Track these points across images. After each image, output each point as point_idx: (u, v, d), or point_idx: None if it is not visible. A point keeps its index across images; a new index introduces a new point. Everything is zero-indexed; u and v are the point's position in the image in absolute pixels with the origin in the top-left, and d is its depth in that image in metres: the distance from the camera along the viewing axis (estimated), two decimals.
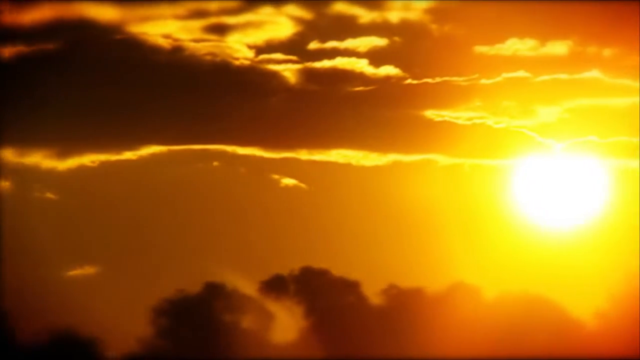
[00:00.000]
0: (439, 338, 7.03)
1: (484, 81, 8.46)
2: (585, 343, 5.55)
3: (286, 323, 9.03)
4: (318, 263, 9.08)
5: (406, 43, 8.70)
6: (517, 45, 8.65)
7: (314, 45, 8.66)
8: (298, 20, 8.86)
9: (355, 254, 8.68)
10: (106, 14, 9.67)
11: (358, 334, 8.30)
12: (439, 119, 8.91)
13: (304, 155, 8.68)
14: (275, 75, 9.07)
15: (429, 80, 8.57)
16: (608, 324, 3.45)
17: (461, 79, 8.65)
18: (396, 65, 8.67)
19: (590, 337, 4.23)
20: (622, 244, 5.67)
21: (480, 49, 8.64)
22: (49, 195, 10.24)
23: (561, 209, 6.56)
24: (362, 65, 8.76)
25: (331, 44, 8.69)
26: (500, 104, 8.20)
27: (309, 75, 8.87)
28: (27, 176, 10.28)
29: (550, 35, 8.58)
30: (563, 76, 8.57)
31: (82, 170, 10.25)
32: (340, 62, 8.70)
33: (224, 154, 9.34)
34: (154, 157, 9.71)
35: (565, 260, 6.81)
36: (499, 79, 8.64)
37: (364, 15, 8.77)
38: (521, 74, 8.69)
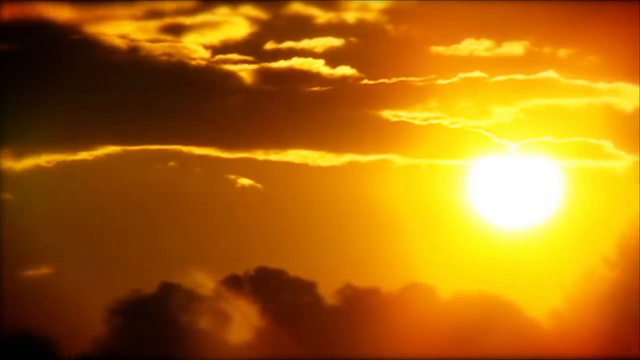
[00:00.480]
0: (395, 338, 6.97)
1: (440, 81, 8.43)
2: (540, 343, 5.46)
3: (242, 323, 9.04)
4: (274, 263, 9.08)
5: (362, 43, 8.70)
6: (473, 46, 8.63)
7: (270, 45, 8.66)
8: (254, 20, 8.87)
9: (311, 254, 8.68)
10: (62, 14, 9.67)
11: (314, 333, 8.28)
12: (396, 119, 8.87)
13: (260, 155, 8.69)
14: (231, 75, 9.07)
15: (385, 80, 8.55)
16: (563, 323, 3.43)
17: (417, 79, 8.61)
18: (352, 66, 8.65)
19: (545, 337, 4.19)
20: (577, 243, 5.55)
21: (437, 49, 8.61)
22: (5, 195, 10.21)
23: (517, 209, 6.49)
24: (318, 66, 8.76)
25: (287, 44, 8.70)
26: (456, 104, 8.18)
27: (265, 76, 8.88)
28: None
29: (506, 35, 8.56)
30: (519, 77, 8.52)
31: (37, 170, 10.18)
32: (296, 63, 8.70)
33: (180, 154, 9.31)
34: (109, 157, 9.67)
35: (520, 260, 6.74)
36: (455, 79, 8.61)
37: (321, 15, 8.77)
38: (477, 74, 8.65)
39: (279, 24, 8.54)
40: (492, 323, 6.09)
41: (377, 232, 8.60)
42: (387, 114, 8.62)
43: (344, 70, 8.33)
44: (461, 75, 8.41)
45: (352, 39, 8.23)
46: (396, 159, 8.54)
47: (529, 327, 4.44)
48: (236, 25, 8.97)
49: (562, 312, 3.53)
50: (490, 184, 5.34)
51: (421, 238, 7.84)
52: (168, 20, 9.00)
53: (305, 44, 8.39)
